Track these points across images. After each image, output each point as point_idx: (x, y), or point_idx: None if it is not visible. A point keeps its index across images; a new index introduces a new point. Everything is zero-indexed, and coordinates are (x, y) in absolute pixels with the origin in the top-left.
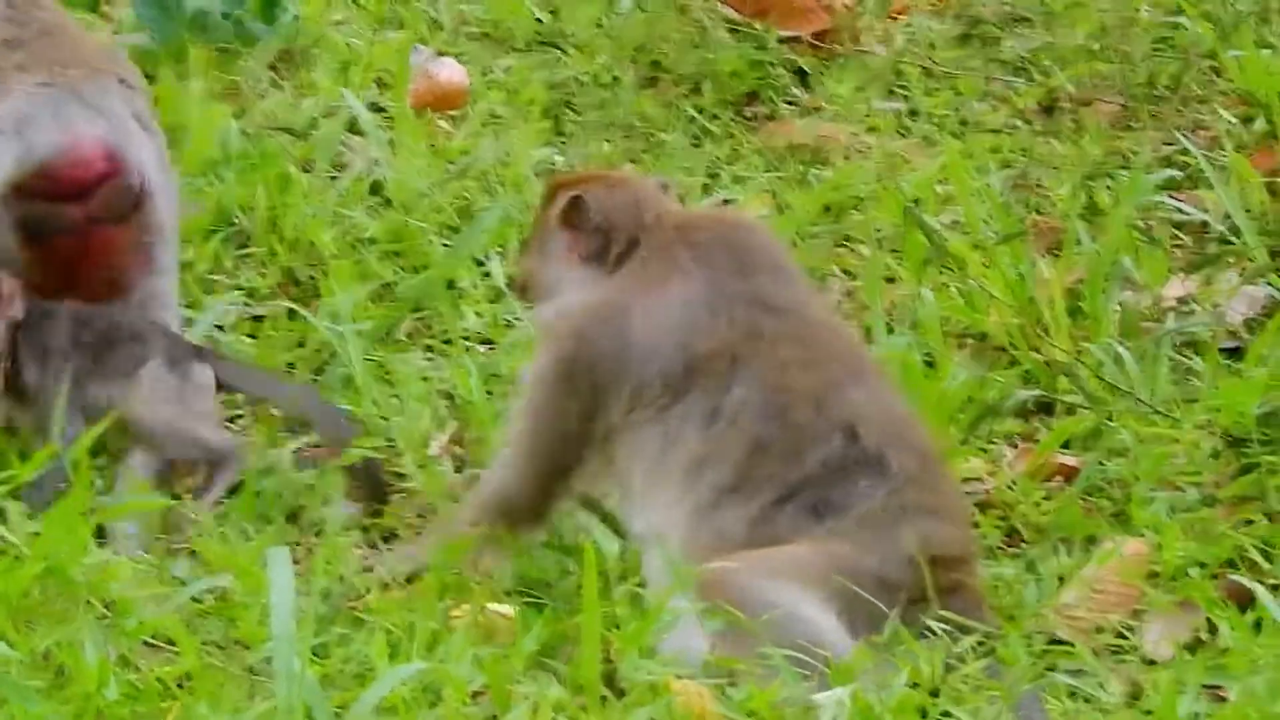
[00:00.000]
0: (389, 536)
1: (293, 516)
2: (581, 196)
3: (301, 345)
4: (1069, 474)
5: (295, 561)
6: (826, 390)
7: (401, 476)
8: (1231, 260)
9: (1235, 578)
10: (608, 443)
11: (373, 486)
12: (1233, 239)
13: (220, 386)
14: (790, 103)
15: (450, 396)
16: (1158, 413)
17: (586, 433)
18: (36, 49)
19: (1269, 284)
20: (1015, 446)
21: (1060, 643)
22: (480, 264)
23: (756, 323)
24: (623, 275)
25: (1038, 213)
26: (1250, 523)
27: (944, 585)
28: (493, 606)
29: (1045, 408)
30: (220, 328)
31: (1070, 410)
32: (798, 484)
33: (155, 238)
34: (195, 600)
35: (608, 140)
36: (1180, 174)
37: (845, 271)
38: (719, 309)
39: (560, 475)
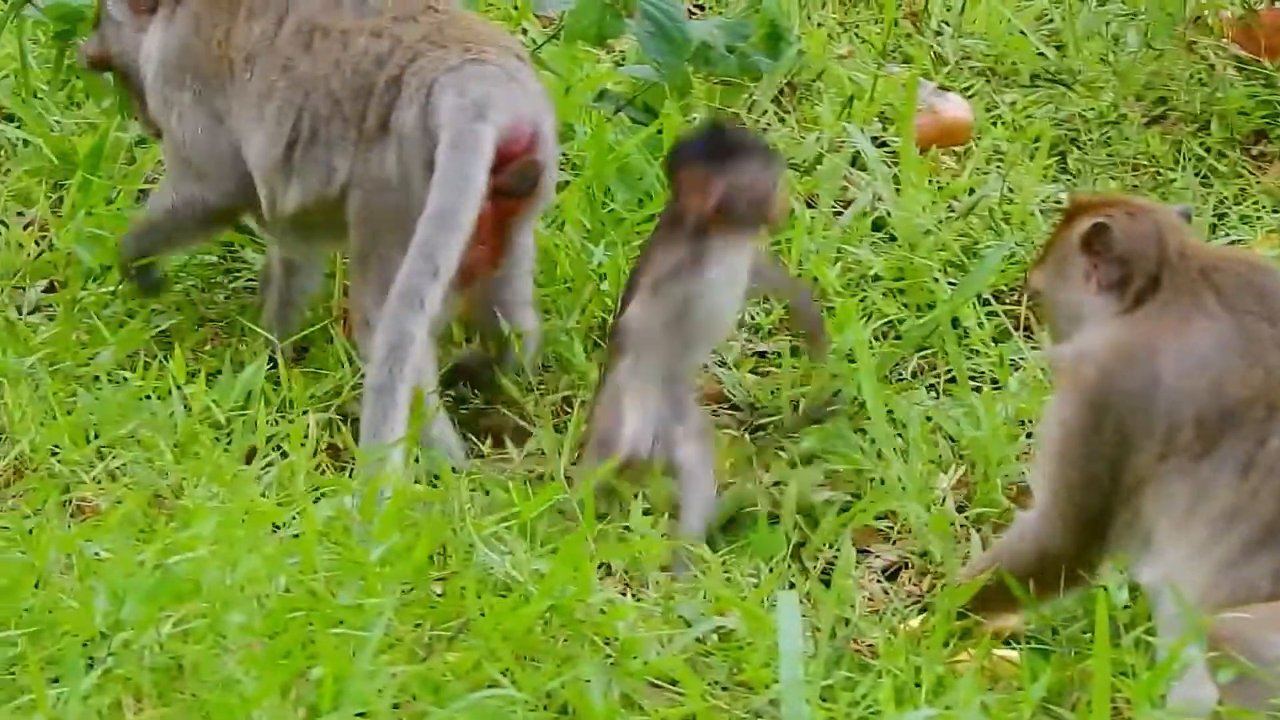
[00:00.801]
0: (891, 575)
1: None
2: (1106, 224)
3: (804, 383)
4: None
5: (800, 602)
6: None
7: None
8: None
9: None
10: (1135, 492)
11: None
12: None
13: None
14: None
15: (953, 438)
16: None
17: (1115, 480)
18: (432, 23)
19: None
20: None
21: None
22: (986, 303)
23: None
24: (1144, 313)
25: None
26: None
27: None
28: (998, 651)
29: None
30: (724, 364)
31: None
32: None
33: (541, 209)
34: (699, 641)
35: (1114, 178)
36: None
37: None
38: (1253, 356)
39: (1096, 524)
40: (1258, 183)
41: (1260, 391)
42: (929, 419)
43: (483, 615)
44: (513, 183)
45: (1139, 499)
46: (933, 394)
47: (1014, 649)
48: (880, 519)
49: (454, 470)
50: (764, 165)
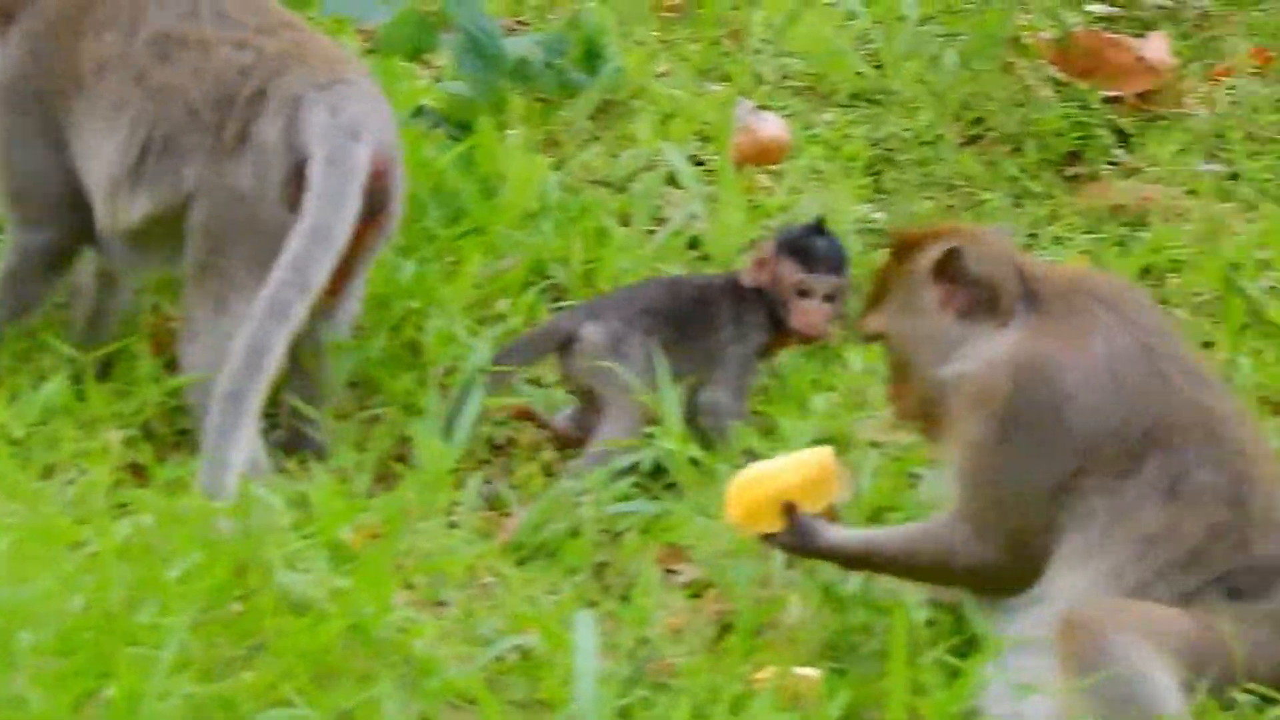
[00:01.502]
0: (694, 594)
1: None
2: (959, 249)
3: None
4: None
5: (601, 621)
6: (1275, 484)
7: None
8: None
9: None
10: (1053, 505)
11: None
12: None
13: None
14: (1112, 163)
15: (748, 452)
16: None
17: (1032, 493)
18: (292, 39)
19: None
20: None
21: None
22: None
23: (1199, 394)
24: (1039, 326)
25: None
26: None
27: None
28: (798, 670)
29: None
30: (537, 383)
31: None
32: (1237, 571)
33: (388, 237)
34: (499, 659)
35: (929, 198)
36: None
37: None
38: (1159, 373)
39: (1025, 538)
40: (1070, 204)
41: (1175, 412)
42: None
43: (280, 634)
44: (366, 204)
45: (1055, 512)
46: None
47: (814, 668)
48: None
49: (258, 487)
50: (827, 272)
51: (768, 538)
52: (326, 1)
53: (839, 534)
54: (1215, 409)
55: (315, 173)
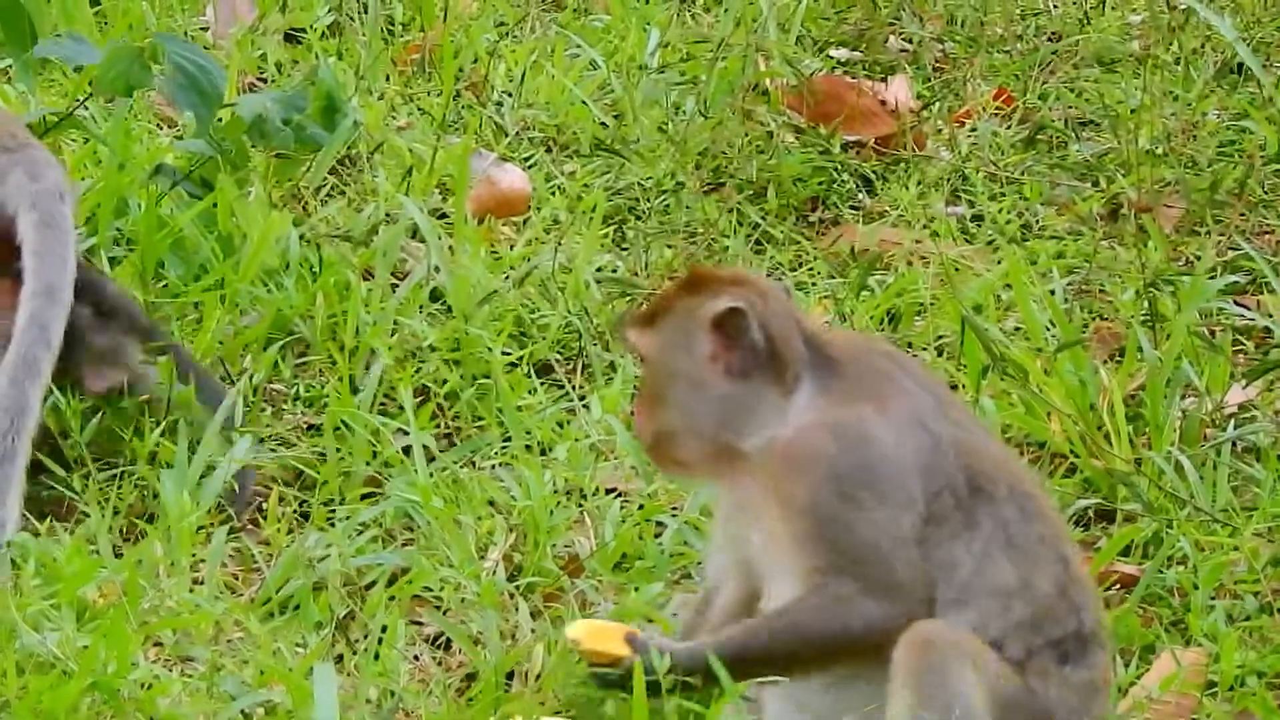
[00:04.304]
0: (441, 645)
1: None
2: (743, 310)
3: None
4: (1128, 582)
5: (348, 674)
6: (1075, 555)
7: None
8: None
9: None
10: (919, 548)
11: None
12: None
13: None
14: (854, 208)
15: (495, 505)
16: (1217, 521)
17: (898, 533)
18: None
19: None
20: None
21: None
22: (540, 373)
23: (999, 451)
24: (836, 390)
25: (1100, 319)
26: None
27: None
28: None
29: (1105, 516)
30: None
31: (1130, 518)
32: (1070, 635)
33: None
34: (245, 714)
35: (670, 246)
36: (1243, 279)
37: None
38: (966, 429)
39: (917, 579)
40: (813, 249)
41: (988, 467)
42: (483, 489)
43: (25, 694)
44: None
45: (923, 558)
46: (493, 463)
47: (559, 716)
48: (430, 589)
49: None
50: None
51: (611, 668)
52: (39, 46)
53: (697, 644)
54: (1012, 465)
55: (30, 235)
